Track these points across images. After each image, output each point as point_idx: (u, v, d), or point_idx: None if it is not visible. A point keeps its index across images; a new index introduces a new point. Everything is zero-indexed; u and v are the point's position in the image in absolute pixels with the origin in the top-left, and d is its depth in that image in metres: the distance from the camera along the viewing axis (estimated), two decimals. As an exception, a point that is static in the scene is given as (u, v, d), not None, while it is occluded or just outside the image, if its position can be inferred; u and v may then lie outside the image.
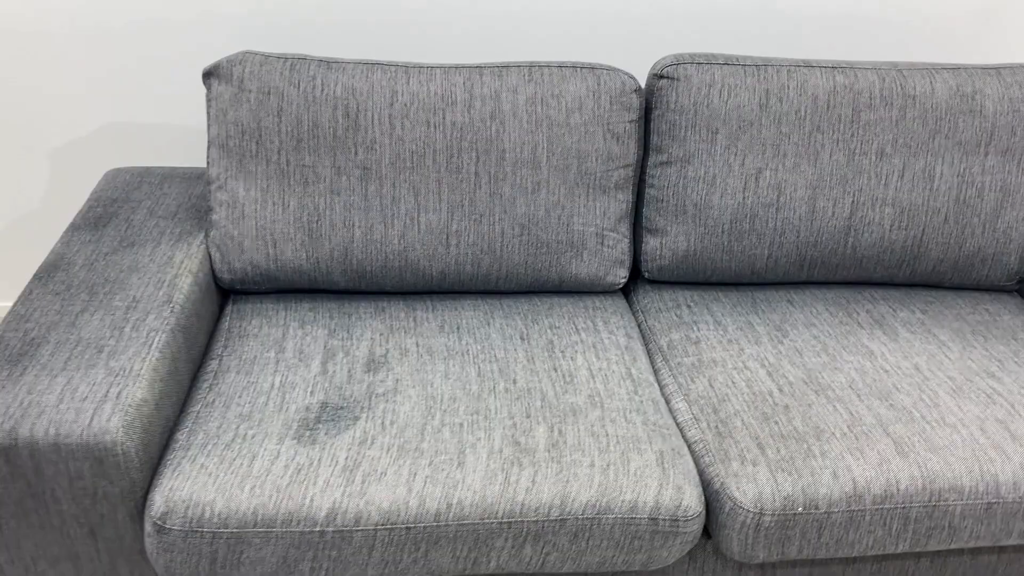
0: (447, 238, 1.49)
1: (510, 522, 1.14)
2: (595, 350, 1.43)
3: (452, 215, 1.48)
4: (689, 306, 1.57)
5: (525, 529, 1.14)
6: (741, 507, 1.16)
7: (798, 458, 1.20)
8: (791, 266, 1.58)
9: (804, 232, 1.54)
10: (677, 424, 1.31)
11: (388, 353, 1.38)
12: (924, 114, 1.51)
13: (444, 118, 1.45)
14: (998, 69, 1.55)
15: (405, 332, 1.44)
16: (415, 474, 1.15)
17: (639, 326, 1.55)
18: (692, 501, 1.16)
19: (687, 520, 1.16)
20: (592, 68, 1.51)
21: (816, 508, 1.16)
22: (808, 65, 1.52)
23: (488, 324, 1.48)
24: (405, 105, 1.44)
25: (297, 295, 1.53)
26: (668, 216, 1.55)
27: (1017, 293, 1.67)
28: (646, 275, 1.61)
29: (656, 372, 1.43)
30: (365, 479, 1.14)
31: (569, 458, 1.19)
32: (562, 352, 1.41)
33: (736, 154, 1.51)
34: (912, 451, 1.22)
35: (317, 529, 1.11)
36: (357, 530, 1.11)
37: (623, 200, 1.55)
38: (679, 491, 1.17)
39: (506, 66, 1.50)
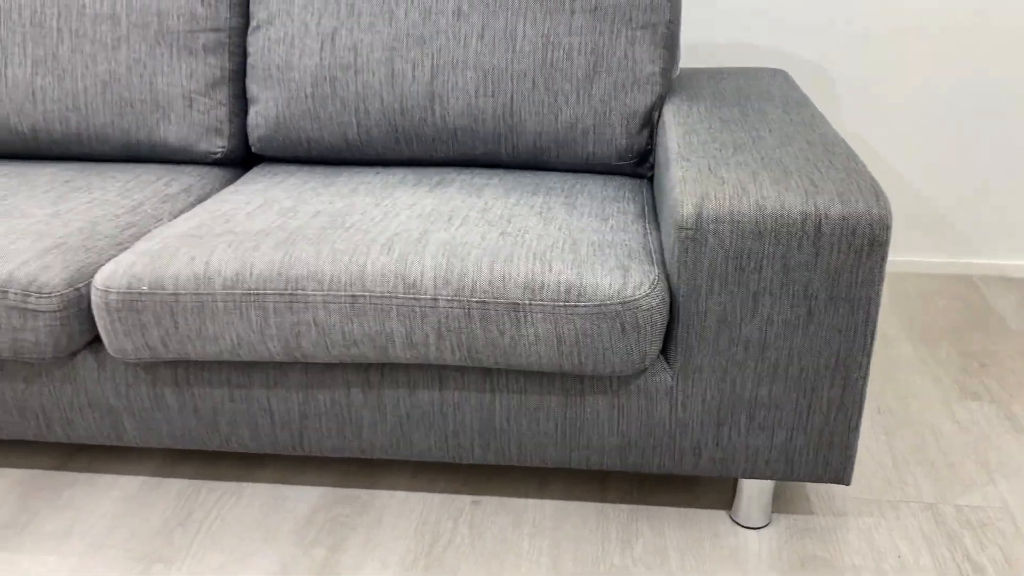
0: (33, 93, 1.53)
1: None
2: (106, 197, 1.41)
3: (36, 70, 1.53)
4: (276, 175, 1.52)
5: None
6: (95, 286, 1.09)
7: (176, 248, 1.13)
8: (384, 137, 1.51)
9: (388, 98, 1.48)
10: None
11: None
12: (501, -30, 1.44)
13: (28, -26, 1.52)
14: (594, -72, 1.46)
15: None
16: None
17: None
18: (53, 277, 1.11)
19: (41, 297, 1.10)
20: (180, -72, 1.54)
21: (162, 288, 1.08)
22: (391, -74, 1.49)
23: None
24: (-18, -43, 1.52)
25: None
26: (259, 82, 1.53)
27: (648, 181, 1.51)
28: (253, 148, 1.58)
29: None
30: None
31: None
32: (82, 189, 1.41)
33: (312, 13, 1.49)
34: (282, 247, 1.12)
35: None
36: None
37: (215, 65, 1.54)
38: (46, 268, 1.12)
39: (98, -72, 1.56)
